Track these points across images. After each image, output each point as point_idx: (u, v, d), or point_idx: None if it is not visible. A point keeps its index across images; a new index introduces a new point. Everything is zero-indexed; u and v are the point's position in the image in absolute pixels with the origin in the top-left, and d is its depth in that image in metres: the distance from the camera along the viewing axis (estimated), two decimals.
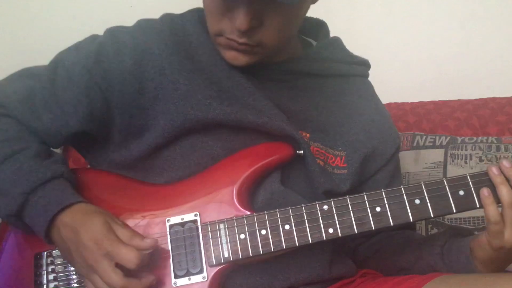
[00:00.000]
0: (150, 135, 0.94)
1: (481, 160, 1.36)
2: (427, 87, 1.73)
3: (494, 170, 0.87)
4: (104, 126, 0.97)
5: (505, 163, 0.88)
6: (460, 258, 0.95)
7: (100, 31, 0.99)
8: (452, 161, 1.38)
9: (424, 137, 1.45)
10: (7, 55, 1.66)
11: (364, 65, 1.12)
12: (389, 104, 1.56)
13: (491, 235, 0.87)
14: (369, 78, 1.13)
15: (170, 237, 0.90)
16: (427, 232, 1.36)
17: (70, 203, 0.88)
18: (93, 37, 0.99)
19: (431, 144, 1.43)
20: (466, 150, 1.38)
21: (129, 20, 1.01)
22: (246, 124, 0.94)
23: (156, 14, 1.02)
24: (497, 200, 0.87)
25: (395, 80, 1.69)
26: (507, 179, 0.87)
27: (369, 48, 1.28)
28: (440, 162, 1.39)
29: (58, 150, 1.20)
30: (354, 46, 1.11)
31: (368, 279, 1.03)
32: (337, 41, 1.09)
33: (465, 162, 1.37)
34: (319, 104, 1.03)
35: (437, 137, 1.44)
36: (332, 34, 1.10)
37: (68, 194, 0.90)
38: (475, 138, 1.41)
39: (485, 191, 0.87)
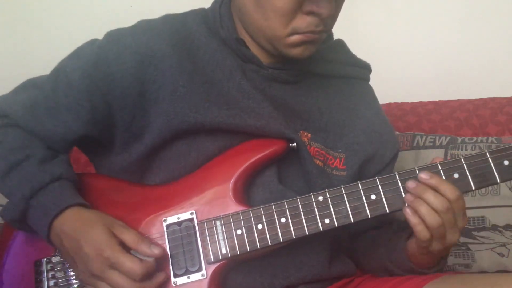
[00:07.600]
0: (148, 136, 0.95)
1: None
2: (427, 87, 1.73)
3: (408, 211, 0.84)
4: (107, 130, 0.97)
5: (422, 176, 0.85)
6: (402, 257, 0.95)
7: (100, 31, 0.99)
8: None
9: (424, 137, 1.44)
10: (7, 55, 1.66)
11: (366, 68, 1.12)
12: (389, 104, 1.55)
13: (419, 246, 0.88)
14: (370, 78, 1.13)
15: (168, 236, 0.91)
16: None
17: (68, 205, 0.89)
18: (93, 41, 0.99)
19: (431, 144, 1.42)
20: (466, 150, 1.38)
21: (129, 20, 1.00)
22: (245, 128, 0.94)
23: (156, 14, 1.01)
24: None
25: (395, 80, 1.69)
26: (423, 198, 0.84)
27: (369, 48, 1.28)
28: None
29: None
30: (354, 46, 1.11)
31: (367, 279, 1.03)
32: (341, 42, 1.09)
33: None
34: (322, 105, 1.03)
35: (437, 137, 1.43)
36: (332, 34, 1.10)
37: (66, 195, 0.90)
38: (475, 138, 1.41)
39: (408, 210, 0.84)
